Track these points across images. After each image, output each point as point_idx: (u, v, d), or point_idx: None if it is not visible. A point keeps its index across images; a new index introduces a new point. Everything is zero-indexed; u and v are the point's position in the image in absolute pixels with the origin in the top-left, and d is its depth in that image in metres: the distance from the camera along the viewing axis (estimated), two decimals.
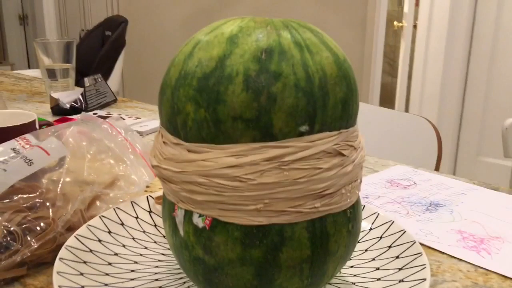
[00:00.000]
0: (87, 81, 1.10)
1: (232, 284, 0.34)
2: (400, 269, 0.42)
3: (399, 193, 0.65)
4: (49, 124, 0.80)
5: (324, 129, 0.33)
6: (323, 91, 0.32)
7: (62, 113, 1.02)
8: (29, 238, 0.43)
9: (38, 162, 0.49)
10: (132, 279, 0.41)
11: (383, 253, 0.45)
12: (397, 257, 0.43)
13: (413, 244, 0.44)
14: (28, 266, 0.43)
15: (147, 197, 0.52)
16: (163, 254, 0.46)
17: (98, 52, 2.47)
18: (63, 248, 0.41)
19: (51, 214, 0.46)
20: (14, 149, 0.49)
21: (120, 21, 2.57)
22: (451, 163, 2.69)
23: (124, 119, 0.99)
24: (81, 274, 0.39)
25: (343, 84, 0.33)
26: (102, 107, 1.12)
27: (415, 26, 2.69)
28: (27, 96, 1.22)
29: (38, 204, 0.47)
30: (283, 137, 0.31)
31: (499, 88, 2.48)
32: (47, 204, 0.47)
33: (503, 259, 0.48)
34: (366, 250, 0.46)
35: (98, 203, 0.51)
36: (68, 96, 1.06)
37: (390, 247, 0.45)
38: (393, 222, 0.48)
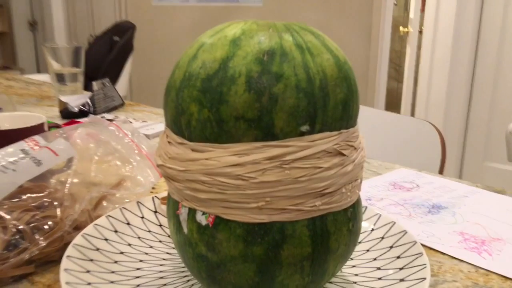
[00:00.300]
0: (95, 85, 1.12)
1: (234, 280, 0.35)
2: (401, 268, 0.42)
3: (402, 195, 0.65)
4: (57, 127, 0.82)
5: (325, 129, 0.33)
6: (324, 92, 0.33)
7: (70, 116, 1.03)
8: (37, 237, 0.44)
9: (46, 162, 0.50)
10: (137, 277, 0.42)
11: (384, 253, 0.46)
12: (398, 257, 0.44)
13: (414, 244, 0.44)
14: (36, 264, 0.44)
15: (152, 197, 0.53)
16: (167, 253, 0.46)
17: (106, 57, 2.50)
18: (70, 246, 0.42)
19: (58, 213, 0.47)
20: (23, 150, 0.51)
21: (128, 27, 2.60)
22: (457, 168, 2.69)
23: (131, 122, 1.00)
24: (88, 271, 0.40)
25: (344, 85, 0.34)
26: (110, 110, 1.13)
27: (420, 32, 2.70)
28: (36, 100, 1.24)
29: (46, 204, 0.48)
30: (284, 137, 0.32)
31: (505, 93, 2.48)
32: (55, 203, 0.48)
33: (504, 260, 0.48)
34: (367, 250, 0.47)
35: (104, 203, 0.52)
36: (76, 100, 1.07)
37: (391, 247, 0.46)
38: (394, 223, 0.48)
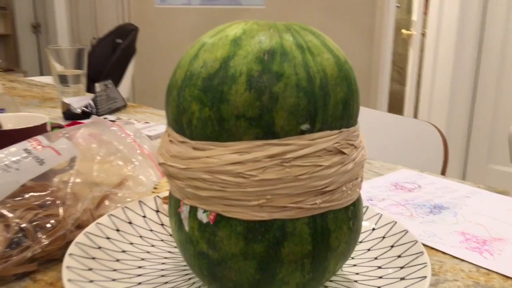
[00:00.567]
0: (98, 86, 1.12)
1: (235, 278, 0.35)
2: (401, 267, 0.42)
3: (403, 195, 0.66)
4: (60, 127, 0.82)
5: (325, 128, 0.34)
6: (324, 91, 0.33)
7: (73, 117, 1.04)
8: (39, 235, 0.45)
9: (49, 161, 0.50)
10: (139, 275, 0.42)
11: (385, 252, 0.46)
12: (399, 256, 0.44)
13: (415, 243, 0.44)
14: (39, 262, 0.45)
15: (154, 197, 0.53)
16: (169, 252, 0.47)
17: (109, 59, 2.51)
18: (72, 244, 0.42)
19: (61, 212, 0.47)
20: (26, 150, 0.51)
21: (131, 29, 2.61)
22: (460, 171, 2.68)
23: (133, 123, 1.00)
24: (90, 269, 0.40)
25: (344, 84, 0.34)
26: (112, 112, 1.14)
27: (423, 34, 2.70)
28: (39, 102, 1.25)
29: (48, 202, 0.48)
30: (284, 135, 0.32)
31: (508, 96, 2.47)
32: (58, 202, 0.48)
33: (506, 259, 0.48)
34: (369, 250, 0.47)
35: (106, 202, 0.52)
36: (79, 101, 1.08)
37: (392, 246, 0.46)
38: (395, 222, 0.49)
